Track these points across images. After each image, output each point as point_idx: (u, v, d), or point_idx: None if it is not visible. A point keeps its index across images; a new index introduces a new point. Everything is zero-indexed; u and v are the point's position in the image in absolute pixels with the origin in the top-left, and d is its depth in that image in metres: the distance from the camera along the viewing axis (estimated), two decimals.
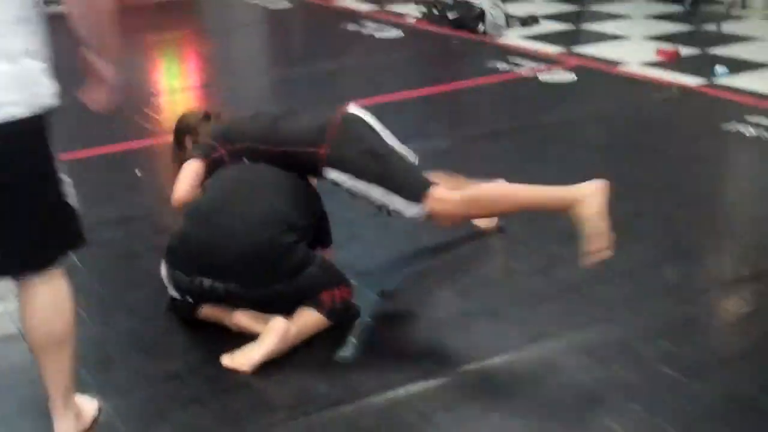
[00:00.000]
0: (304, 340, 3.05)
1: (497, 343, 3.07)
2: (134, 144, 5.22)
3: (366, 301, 3.29)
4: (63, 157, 2.36)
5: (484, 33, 7.57)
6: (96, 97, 2.45)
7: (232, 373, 2.93)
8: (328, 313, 3.10)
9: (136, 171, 4.78)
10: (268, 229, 3.05)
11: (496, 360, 2.98)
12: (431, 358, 3.00)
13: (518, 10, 8.31)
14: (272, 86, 6.76)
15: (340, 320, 3.13)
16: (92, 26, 2.34)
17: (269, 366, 2.94)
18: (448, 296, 3.40)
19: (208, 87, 6.83)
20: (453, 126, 5.42)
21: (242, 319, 3.08)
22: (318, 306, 3.09)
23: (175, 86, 6.97)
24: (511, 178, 4.42)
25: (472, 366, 2.95)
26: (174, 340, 3.18)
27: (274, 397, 2.85)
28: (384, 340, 3.11)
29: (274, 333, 2.97)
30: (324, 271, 3.13)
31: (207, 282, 3.07)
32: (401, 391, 2.83)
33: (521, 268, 3.58)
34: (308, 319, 3.08)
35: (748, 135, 4.93)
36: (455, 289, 3.44)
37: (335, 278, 3.16)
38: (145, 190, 4.59)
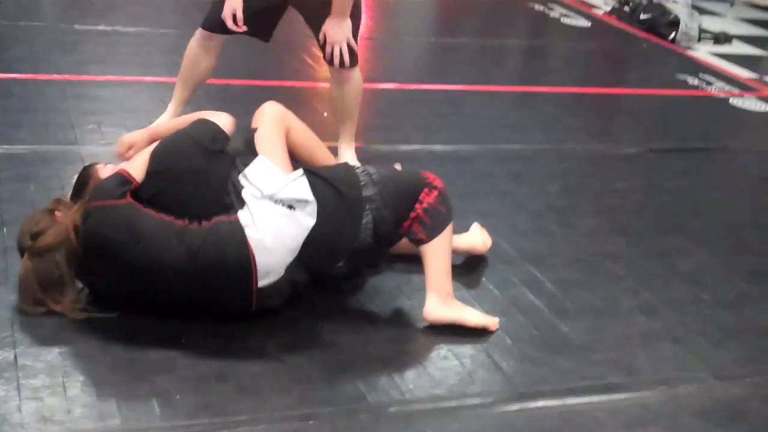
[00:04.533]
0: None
1: (683, 372, 2.97)
2: (285, 83, 5.23)
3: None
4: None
5: (673, 41, 7.36)
6: None
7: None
8: (430, 234, 2.99)
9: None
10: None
11: (682, 389, 2.89)
12: (614, 371, 2.92)
13: (711, 25, 8.05)
14: (434, 52, 6.67)
15: (445, 217, 3.03)
16: None
17: None
18: (633, 312, 3.31)
19: (371, 39, 6.78)
20: (639, 133, 5.27)
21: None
22: (414, 242, 3.02)
23: None
24: (698, 202, 4.33)
25: (656, 390, 2.86)
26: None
27: None
28: (564, 342, 3.05)
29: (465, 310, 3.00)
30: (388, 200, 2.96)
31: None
32: (583, 399, 2.78)
33: (708, 298, 3.46)
34: (431, 262, 3.00)
35: None
36: (641, 306, 3.35)
37: (406, 196, 3.00)
38: None
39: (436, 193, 3.03)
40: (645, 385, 2.88)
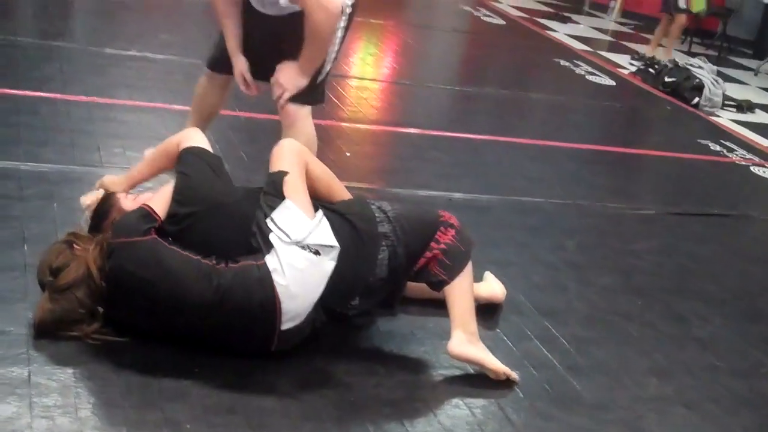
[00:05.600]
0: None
1: None
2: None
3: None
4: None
5: (696, 106, 7.39)
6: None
7: None
8: (451, 274, 3.00)
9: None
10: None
11: None
12: None
13: (735, 92, 8.09)
14: (458, 100, 6.71)
15: (464, 255, 3.04)
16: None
17: None
18: (646, 373, 3.29)
19: (395, 84, 6.84)
20: (658, 194, 5.28)
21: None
22: (436, 284, 3.02)
23: (365, 74, 7.00)
24: (715, 268, 4.32)
25: None
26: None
27: None
28: (576, 399, 3.02)
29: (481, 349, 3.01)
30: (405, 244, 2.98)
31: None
32: None
33: (722, 365, 3.44)
34: (455, 300, 3.01)
35: None
36: (653, 369, 3.33)
37: (421, 235, 3.01)
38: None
39: (453, 232, 3.05)
40: None
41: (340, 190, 3.21)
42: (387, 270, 2.97)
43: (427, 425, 2.74)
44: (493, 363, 3.00)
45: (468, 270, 3.05)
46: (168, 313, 2.76)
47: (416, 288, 3.25)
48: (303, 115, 3.74)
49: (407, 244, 2.98)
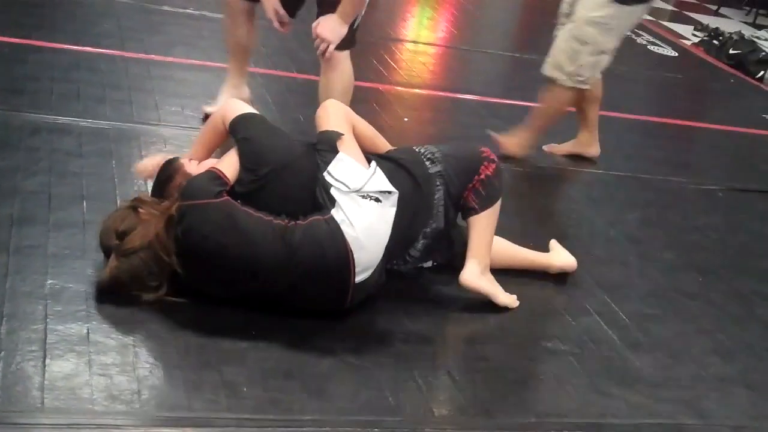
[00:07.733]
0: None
1: (756, 420, 2.89)
2: (367, 84, 5.12)
3: None
4: None
5: (762, 80, 7.22)
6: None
7: None
8: (482, 204, 3.07)
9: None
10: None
11: None
12: (684, 411, 2.84)
13: None
14: (517, 67, 6.60)
15: (498, 189, 3.11)
16: None
17: None
18: (707, 353, 3.22)
19: (452, 48, 6.75)
20: (721, 170, 5.16)
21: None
22: (466, 211, 3.09)
23: (422, 38, 6.92)
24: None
25: None
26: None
27: None
28: (635, 376, 2.97)
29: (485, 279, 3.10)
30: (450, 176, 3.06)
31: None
32: None
33: None
34: (478, 232, 3.08)
35: None
36: (715, 348, 3.26)
37: (468, 170, 3.08)
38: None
39: (494, 166, 3.13)
40: (716, 429, 2.81)
41: (383, 145, 3.26)
42: (444, 211, 3.05)
43: (486, 395, 2.70)
44: (500, 296, 3.12)
45: (497, 207, 3.12)
46: (242, 275, 2.74)
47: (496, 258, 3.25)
48: (344, 58, 3.89)
49: (457, 183, 3.06)
